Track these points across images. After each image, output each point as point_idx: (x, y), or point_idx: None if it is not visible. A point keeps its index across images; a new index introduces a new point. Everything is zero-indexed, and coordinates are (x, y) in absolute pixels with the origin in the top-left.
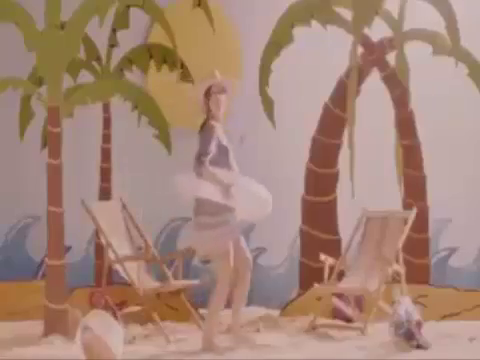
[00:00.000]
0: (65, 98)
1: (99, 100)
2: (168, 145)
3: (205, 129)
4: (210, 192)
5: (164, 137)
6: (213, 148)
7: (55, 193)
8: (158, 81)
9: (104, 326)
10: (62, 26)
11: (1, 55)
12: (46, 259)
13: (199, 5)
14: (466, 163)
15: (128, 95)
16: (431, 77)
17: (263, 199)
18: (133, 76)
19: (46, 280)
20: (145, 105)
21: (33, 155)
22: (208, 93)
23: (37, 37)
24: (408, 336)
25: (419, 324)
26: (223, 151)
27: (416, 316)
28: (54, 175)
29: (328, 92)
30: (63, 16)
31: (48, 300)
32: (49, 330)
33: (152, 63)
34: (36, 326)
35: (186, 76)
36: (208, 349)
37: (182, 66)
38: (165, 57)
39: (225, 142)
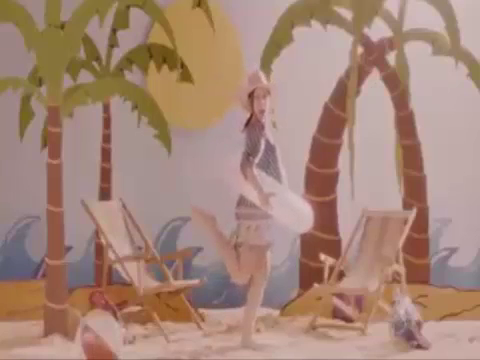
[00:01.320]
0: (65, 98)
1: (99, 100)
2: (168, 145)
3: (253, 126)
4: (253, 195)
5: (164, 137)
6: (262, 147)
7: (55, 193)
8: (158, 81)
9: (104, 326)
10: (62, 26)
11: (1, 55)
12: (46, 259)
13: (199, 5)
14: (466, 163)
15: (128, 95)
16: (431, 77)
17: (302, 215)
18: (133, 76)
19: (46, 280)
20: (145, 105)
21: (32, 155)
22: (252, 95)
23: (37, 37)
24: (408, 336)
25: (419, 324)
26: (270, 149)
27: (416, 316)
28: (54, 175)
29: (328, 92)
30: (63, 16)
31: (48, 300)
32: (49, 330)
33: (152, 63)
34: (36, 326)
35: (186, 76)
36: (246, 346)
37: (182, 66)
38: (165, 57)
39: (272, 141)
